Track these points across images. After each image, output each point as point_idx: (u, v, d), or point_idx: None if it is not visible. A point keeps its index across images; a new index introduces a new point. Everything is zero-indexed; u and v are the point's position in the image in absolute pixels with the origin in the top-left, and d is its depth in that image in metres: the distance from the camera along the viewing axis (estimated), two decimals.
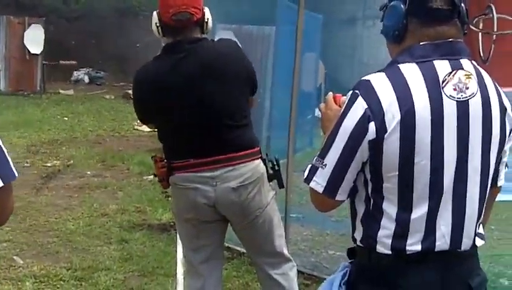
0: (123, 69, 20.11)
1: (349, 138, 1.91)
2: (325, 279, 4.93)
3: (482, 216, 2.05)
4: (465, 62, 1.97)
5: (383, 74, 1.93)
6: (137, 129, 12.38)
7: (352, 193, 2.01)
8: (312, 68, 9.38)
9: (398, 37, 1.98)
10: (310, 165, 1.97)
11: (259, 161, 3.34)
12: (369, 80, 1.92)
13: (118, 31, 20.81)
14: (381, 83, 1.91)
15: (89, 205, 6.74)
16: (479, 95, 1.95)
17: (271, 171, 3.41)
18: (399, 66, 1.94)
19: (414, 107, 1.88)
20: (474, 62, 2.01)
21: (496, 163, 2.03)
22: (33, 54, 16.70)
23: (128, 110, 14.88)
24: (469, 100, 1.93)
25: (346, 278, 2.07)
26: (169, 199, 7.06)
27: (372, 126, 1.88)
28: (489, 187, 2.03)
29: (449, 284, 1.99)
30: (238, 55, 3.32)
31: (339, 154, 1.92)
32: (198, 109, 3.19)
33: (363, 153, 1.91)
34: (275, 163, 3.42)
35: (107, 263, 5.03)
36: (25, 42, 16.58)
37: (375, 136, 1.88)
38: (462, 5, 1.98)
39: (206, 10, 3.29)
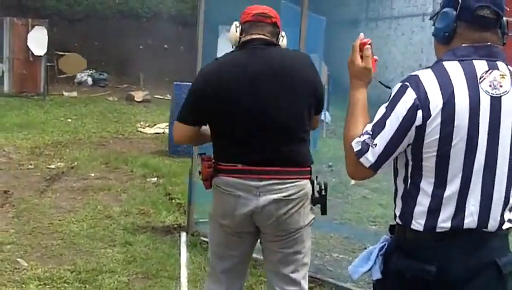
0: (126, 71, 20.14)
1: (400, 124, 2.21)
2: (329, 282, 4.95)
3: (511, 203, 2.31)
4: (500, 64, 2.28)
5: (429, 70, 2.26)
6: (140, 131, 12.40)
7: (395, 174, 2.34)
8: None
9: (447, 38, 2.30)
10: (361, 142, 2.25)
11: (308, 181, 3.26)
12: (417, 75, 2.25)
13: (120, 33, 20.83)
14: (427, 77, 2.23)
15: (92, 207, 6.74)
16: (511, 93, 2.25)
17: (317, 195, 3.31)
18: (443, 63, 2.26)
19: (454, 97, 2.19)
20: (510, 66, 2.31)
21: None
22: (36, 56, 16.71)
23: (132, 112, 14.92)
24: (502, 96, 2.24)
25: (384, 250, 2.36)
26: (173, 201, 7.10)
27: (419, 114, 2.19)
28: None
29: (475, 261, 2.23)
30: (311, 71, 3.26)
31: (390, 138, 2.22)
32: (259, 112, 3.13)
33: (410, 137, 2.22)
34: (323, 187, 3.33)
35: (111, 266, 5.04)
36: (28, 44, 16.59)
37: (421, 122, 2.19)
38: (504, 18, 2.30)
39: (283, 33, 3.35)
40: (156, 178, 8.30)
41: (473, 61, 2.25)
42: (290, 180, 3.18)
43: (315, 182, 3.32)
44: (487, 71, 2.24)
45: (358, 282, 4.93)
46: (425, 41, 16.96)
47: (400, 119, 2.21)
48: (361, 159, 2.25)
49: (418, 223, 2.25)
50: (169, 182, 8.08)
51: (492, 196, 2.24)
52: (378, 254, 2.37)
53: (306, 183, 3.25)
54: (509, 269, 2.28)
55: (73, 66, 18.92)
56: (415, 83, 2.22)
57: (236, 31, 3.29)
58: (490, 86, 2.23)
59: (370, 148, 2.23)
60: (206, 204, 6.44)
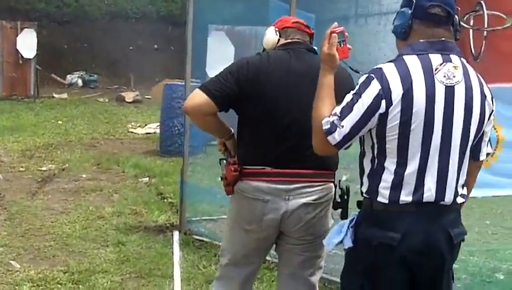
0: (116, 72, 20.12)
1: (365, 110, 2.47)
2: (322, 277, 5.00)
3: (464, 180, 2.63)
4: (454, 57, 2.56)
5: (391, 63, 2.53)
6: (131, 132, 12.39)
7: (362, 155, 2.63)
8: None
9: (404, 34, 2.58)
10: (330, 122, 2.51)
11: (333, 184, 3.20)
12: (381, 68, 2.52)
13: (110, 34, 20.79)
14: (389, 70, 2.50)
15: (84, 208, 6.74)
16: (463, 83, 2.54)
17: (338, 200, 3.15)
18: (403, 57, 2.54)
19: (412, 88, 2.47)
20: (462, 58, 2.59)
21: (475, 139, 2.60)
22: (26, 59, 16.67)
23: (122, 113, 14.91)
24: (455, 86, 2.52)
25: (353, 222, 2.64)
26: (165, 200, 7.11)
27: (383, 103, 2.46)
28: (469, 158, 2.61)
29: (432, 230, 2.54)
30: (348, 83, 3.09)
31: (355, 121, 2.49)
32: (293, 113, 3.06)
33: (373, 122, 2.49)
34: (345, 192, 3.20)
35: (104, 266, 5.04)
36: (17, 47, 16.55)
37: (384, 110, 2.47)
38: (456, 16, 2.59)
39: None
40: (147, 178, 8.30)
41: (429, 55, 2.53)
42: (318, 183, 3.13)
43: (337, 186, 3.19)
44: (441, 63, 2.52)
45: None
46: None
47: (366, 107, 2.47)
48: (329, 137, 2.51)
49: (383, 197, 2.54)
50: (161, 181, 8.08)
51: (448, 173, 2.54)
52: (349, 225, 2.64)
53: (332, 186, 3.19)
54: (459, 239, 2.64)
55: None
56: (379, 75, 2.49)
57: (277, 34, 3.25)
58: (444, 76, 2.51)
59: (337, 128, 2.50)
60: (197, 203, 6.48)
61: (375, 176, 2.56)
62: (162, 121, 10.26)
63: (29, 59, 16.71)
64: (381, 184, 2.54)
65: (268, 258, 4.68)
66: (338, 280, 4.78)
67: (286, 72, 3.11)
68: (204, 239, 5.66)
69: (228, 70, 3.14)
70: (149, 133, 12.11)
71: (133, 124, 13.24)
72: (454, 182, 2.57)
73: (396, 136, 2.49)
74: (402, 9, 2.60)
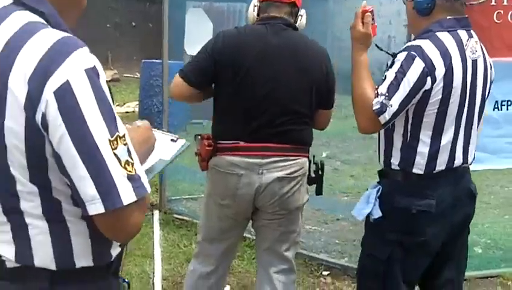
0: (94, 50, 19.76)
1: (412, 87, 2.59)
2: (302, 254, 5.03)
3: None
4: (473, 32, 2.77)
5: (427, 41, 2.65)
6: None
7: (391, 130, 2.74)
8: None
9: (428, 9, 2.70)
10: (380, 102, 2.61)
11: (307, 159, 3.24)
12: (420, 45, 2.64)
13: (87, 12, 20.47)
14: (429, 47, 2.63)
15: None
16: (482, 56, 2.76)
17: (313, 175, 3.29)
18: (436, 34, 2.67)
19: (452, 64, 2.63)
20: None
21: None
22: None
23: None
24: (477, 60, 2.74)
25: (379, 193, 2.78)
26: None
27: (428, 79, 2.60)
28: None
29: (459, 190, 2.79)
30: (323, 63, 3.21)
31: (403, 99, 2.60)
32: (267, 89, 3.07)
33: (416, 98, 2.63)
34: (320, 167, 3.32)
35: None
36: None
37: (429, 86, 2.61)
38: None
39: (303, 10, 3.26)
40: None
41: (458, 31, 2.70)
42: (291, 157, 3.15)
43: (311, 161, 3.29)
44: (468, 39, 2.71)
45: (331, 252, 4.99)
46: (393, 13, 17.01)
47: (412, 84, 2.59)
48: (380, 117, 2.63)
49: (419, 168, 2.71)
50: None
51: (470, 138, 2.78)
52: (375, 196, 2.78)
53: (305, 161, 3.23)
54: (476, 192, 2.92)
55: None
56: (420, 52, 2.62)
57: (254, 10, 3.23)
58: (471, 51, 2.70)
59: (388, 108, 2.61)
60: (177, 182, 6.46)
61: (410, 148, 2.71)
62: (141, 100, 10.18)
63: None
64: (417, 156, 2.70)
65: (248, 235, 4.69)
66: (318, 256, 4.86)
67: (263, 44, 3.12)
68: (185, 218, 5.66)
69: (204, 47, 3.18)
70: (128, 112, 12.03)
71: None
72: (473, 145, 2.82)
73: (436, 111, 2.65)
74: None
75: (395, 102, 2.61)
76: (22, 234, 1.49)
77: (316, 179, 3.33)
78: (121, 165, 1.41)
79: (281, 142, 3.12)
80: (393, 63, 2.67)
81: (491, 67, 2.84)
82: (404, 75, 2.59)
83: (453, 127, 2.71)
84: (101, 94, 1.43)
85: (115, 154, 1.41)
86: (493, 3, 4.10)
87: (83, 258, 1.53)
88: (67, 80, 1.38)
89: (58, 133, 1.37)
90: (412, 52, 2.62)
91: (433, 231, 2.75)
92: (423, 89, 2.61)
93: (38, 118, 1.37)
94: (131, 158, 1.44)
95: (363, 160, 8.01)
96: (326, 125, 3.42)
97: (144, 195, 1.47)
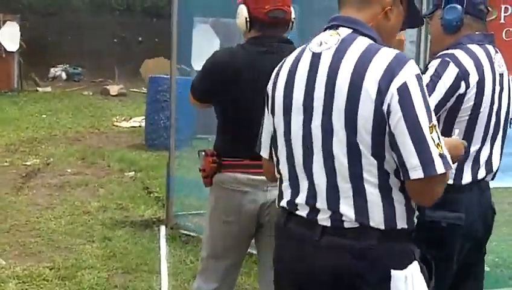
0: (100, 64, 19.99)
1: (447, 89, 2.70)
2: None
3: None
4: (497, 48, 2.91)
5: (459, 50, 2.76)
6: (116, 125, 12.33)
7: None
8: None
9: (456, 27, 2.81)
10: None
11: None
12: (453, 53, 2.75)
13: (94, 26, 20.65)
14: (462, 55, 2.74)
15: (70, 203, 6.69)
16: (506, 71, 2.90)
17: None
18: (467, 46, 2.78)
19: (484, 72, 2.74)
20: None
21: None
22: (9, 52, 16.51)
23: (107, 106, 14.82)
24: (503, 74, 2.86)
25: None
26: (151, 195, 7.07)
27: (463, 83, 2.70)
28: None
29: (482, 205, 2.83)
30: None
31: (439, 100, 2.69)
32: None
33: (451, 102, 2.71)
34: None
35: (90, 262, 5.00)
36: (0, 40, 16.39)
37: (463, 90, 2.70)
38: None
39: (293, 9, 3.22)
40: (133, 172, 8.26)
41: (486, 45, 2.83)
42: None
43: None
44: (495, 53, 2.85)
45: None
46: None
47: (447, 86, 2.69)
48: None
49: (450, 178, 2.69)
50: (147, 175, 8.04)
51: (492, 153, 2.85)
52: None
53: None
54: (495, 209, 2.95)
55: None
56: (454, 58, 2.72)
57: (247, 27, 3.17)
58: (498, 65, 2.83)
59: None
60: (184, 197, 6.45)
61: None
62: (147, 115, 10.20)
63: (12, 52, 16.56)
64: None
65: (255, 252, 4.67)
66: None
67: (260, 66, 3.05)
68: (191, 234, 5.64)
69: (204, 65, 3.23)
70: (134, 127, 12.05)
71: (118, 117, 13.16)
72: (496, 161, 2.87)
73: (467, 118, 2.73)
74: (452, 5, 2.82)
75: (432, 102, 2.62)
76: (361, 199, 1.95)
77: None
78: (435, 145, 1.90)
79: None
80: (426, 69, 2.76)
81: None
82: (440, 78, 2.69)
83: (481, 138, 2.77)
84: (424, 93, 1.93)
85: (432, 137, 1.90)
86: (502, 21, 4.11)
87: (401, 221, 1.97)
88: (405, 81, 1.90)
89: (396, 118, 1.89)
90: (446, 59, 2.73)
91: (459, 244, 2.78)
92: (457, 93, 2.69)
93: (384, 107, 1.89)
94: (440, 142, 1.92)
95: None
96: None
97: (449, 170, 1.92)
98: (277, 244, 2.19)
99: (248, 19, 3.14)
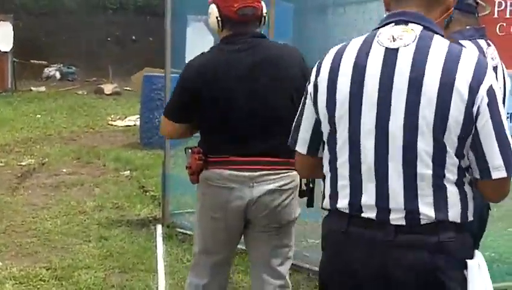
0: (94, 64, 19.95)
1: None
2: (306, 268, 4.95)
3: None
4: (489, 41, 2.96)
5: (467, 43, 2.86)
6: (111, 124, 12.31)
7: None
8: None
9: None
10: None
11: (297, 173, 3.22)
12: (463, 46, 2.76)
13: (87, 25, 20.61)
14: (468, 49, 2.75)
15: (66, 203, 6.68)
16: (500, 63, 2.93)
17: (304, 188, 3.26)
18: (459, 42, 2.74)
19: None
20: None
21: None
22: (3, 52, 16.47)
23: (102, 105, 14.79)
24: (497, 66, 2.88)
25: None
26: (147, 193, 7.06)
27: None
28: None
29: (477, 199, 2.75)
30: (298, 65, 3.19)
31: None
32: (249, 104, 3.10)
33: None
34: (310, 180, 3.27)
35: (87, 261, 5.00)
36: None
37: None
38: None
39: (263, 4, 3.24)
40: (128, 171, 8.25)
41: (477, 40, 2.87)
42: (282, 170, 3.16)
43: None
44: (487, 47, 2.89)
45: None
46: None
47: None
48: None
49: None
50: (143, 174, 8.03)
51: None
52: None
53: (296, 174, 3.19)
54: (489, 202, 3.04)
55: None
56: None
57: (219, 26, 3.18)
58: (491, 58, 2.85)
59: None
60: (180, 196, 6.44)
61: None
62: (141, 113, 10.19)
63: (6, 52, 16.52)
64: None
65: None
66: None
67: (236, 64, 3.12)
68: (188, 232, 5.62)
69: (179, 84, 3.24)
70: (129, 126, 12.04)
71: (112, 116, 13.14)
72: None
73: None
74: None
75: None
76: (441, 197, 1.99)
77: (307, 192, 3.33)
78: None
79: (271, 155, 3.13)
80: None
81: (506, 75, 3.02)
82: None
83: None
84: (500, 96, 2.01)
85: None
86: (495, 15, 4.12)
87: (470, 214, 2.04)
88: (491, 84, 1.96)
89: (484, 120, 1.94)
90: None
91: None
92: None
93: (474, 108, 1.93)
94: None
95: None
96: None
97: None
98: (335, 250, 2.13)
99: (219, 18, 3.16)
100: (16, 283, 4.62)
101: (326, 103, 2.09)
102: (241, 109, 3.12)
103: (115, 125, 12.23)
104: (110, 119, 12.85)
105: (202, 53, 3.28)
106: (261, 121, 3.13)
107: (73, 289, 4.54)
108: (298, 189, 3.25)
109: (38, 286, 4.59)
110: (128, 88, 17.65)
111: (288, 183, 3.19)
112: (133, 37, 21.48)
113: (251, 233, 3.30)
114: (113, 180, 7.81)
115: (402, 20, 2.03)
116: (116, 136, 11.08)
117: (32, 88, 17.48)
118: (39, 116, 12.93)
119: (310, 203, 3.36)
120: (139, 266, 4.92)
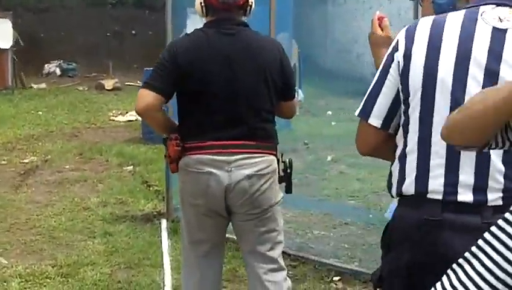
0: (95, 59, 19.91)
1: None
2: (312, 259, 4.95)
3: None
4: None
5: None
6: (113, 120, 12.29)
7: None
8: (286, 48, 9.34)
9: (449, 11, 2.45)
10: None
11: (274, 157, 3.28)
12: None
13: (86, 21, 20.56)
14: None
15: (69, 199, 6.68)
16: None
17: (282, 173, 3.33)
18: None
19: None
20: None
21: None
22: (2, 49, 16.43)
23: (103, 101, 14.76)
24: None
25: None
26: (151, 188, 7.06)
27: None
28: None
29: None
30: (280, 56, 3.31)
31: None
32: (228, 88, 3.15)
33: None
34: (288, 166, 3.35)
35: (92, 258, 5.00)
36: None
37: None
38: None
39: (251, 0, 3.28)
40: (132, 166, 8.24)
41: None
42: (258, 154, 3.19)
43: (280, 160, 3.33)
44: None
45: (341, 257, 4.96)
46: (393, 13, 17.00)
47: None
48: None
49: None
50: (146, 169, 8.03)
51: None
52: None
53: (273, 159, 3.27)
54: None
55: None
56: None
57: (203, 12, 3.26)
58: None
59: None
60: None
61: None
62: None
63: (6, 50, 16.48)
64: None
65: None
66: (328, 261, 4.83)
67: (217, 47, 3.18)
68: None
69: (161, 57, 3.25)
70: (131, 121, 12.01)
71: (114, 112, 13.12)
72: None
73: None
74: None
75: None
76: None
77: (285, 178, 3.35)
78: None
79: (247, 139, 3.18)
80: None
81: None
82: None
83: None
84: None
85: None
86: None
87: None
88: None
89: None
90: None
91: None
92: None
93: None
94: None
95: (368, 163, 7.98)
96: (293, 115, 3.57)
97: None
98: (430, 241, 1.94)
99: (202, 4, 3.23)
100: (22, 281, 4.62)
101: (423, 75, 1.99)
102: (219, 92, 3.17)
103: (117, 121, 12.20)
104: (111, 114, 12.82)
105: (186, 34, 3.36)
106: (237, 106, 3.17)
107: (79, 285, 4.54)
108: (277, 174, 3.28)
109: (44, 284, 4.59)
110: (128, 83, 17.62)
111: (265, 167, 3.21)
112: (133, 32, 21.44)
113: (236, 222, 3.34)
114: (117, 175, 7.80)
115: (504, 3, 2.01)
116: (118, 131, 11.07)
117: (33, 85, 17.45)
118: (40, 113, 12.91)
119: (288, 190, 3.40)
120: (145, 261, 4.92)
